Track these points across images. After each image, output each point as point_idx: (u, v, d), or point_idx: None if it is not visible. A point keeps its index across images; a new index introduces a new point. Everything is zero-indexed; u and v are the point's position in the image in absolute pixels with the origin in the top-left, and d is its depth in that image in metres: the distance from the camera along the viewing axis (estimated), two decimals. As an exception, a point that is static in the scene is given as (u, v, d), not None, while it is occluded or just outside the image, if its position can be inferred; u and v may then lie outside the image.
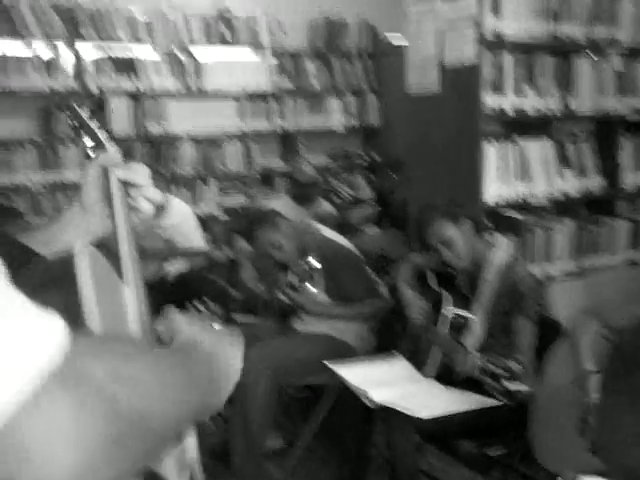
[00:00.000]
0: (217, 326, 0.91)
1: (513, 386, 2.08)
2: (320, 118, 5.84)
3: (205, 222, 5.05)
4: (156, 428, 0.60)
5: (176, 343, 0.84)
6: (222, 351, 0.84)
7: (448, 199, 2.65)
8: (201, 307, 2.72)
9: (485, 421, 2.41)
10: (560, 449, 2.07)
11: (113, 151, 1.07)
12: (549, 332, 2.52)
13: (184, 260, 3.79)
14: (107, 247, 0.97)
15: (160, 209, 3.64)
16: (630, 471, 1.14)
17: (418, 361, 2.71)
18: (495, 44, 3.05)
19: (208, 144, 5.27)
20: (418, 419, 2.28)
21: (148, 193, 1.06)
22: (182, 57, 5.14)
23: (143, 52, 5.05)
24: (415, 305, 2.74)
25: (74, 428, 0.51)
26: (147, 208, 1.06)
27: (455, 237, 2.56)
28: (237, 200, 5.37)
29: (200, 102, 5.20)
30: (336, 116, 5.88)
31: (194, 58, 5.17)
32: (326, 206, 4.50)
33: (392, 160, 5.41)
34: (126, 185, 1.04)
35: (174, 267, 3.74)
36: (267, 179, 5.55)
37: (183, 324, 0.86)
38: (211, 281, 3.84)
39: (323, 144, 5.92)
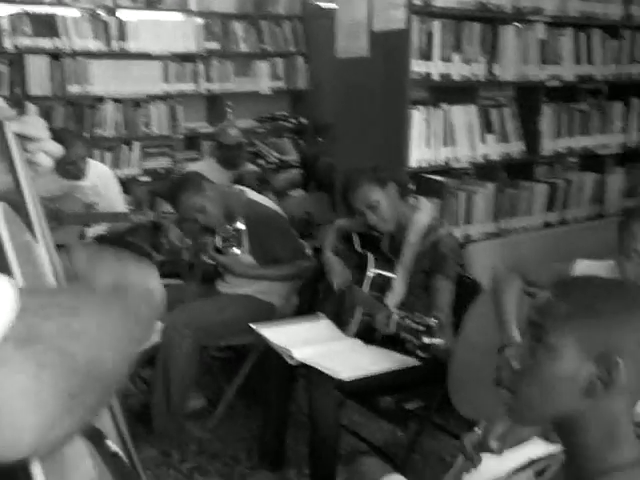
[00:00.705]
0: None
1: (430, 340, 2.13)
2: (248, 81, 5.75)
3: (128, 185, 4.95)
4: (108, 375, 0.61)
5: (102, 281, 0.83)
6: (147, 281, 0.83)
7: (374, 163, 2.66)
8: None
9: (405, 378, 2.47)
10: (477, 398, 2.14)
11: (4, 104, 1.01)
12: (468, 291, 2.59)
13: (105, 224, 3.69)
14: (10, 202, 0.92)
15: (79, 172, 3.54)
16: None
17: (341, 321, 2.75)
18: (424, 11, 3.06)
19: (131, 106, 5.12)
20: (339, 379, 2.32)
21: (46, 146, 1.01)
22: (105, 17, 4.95)
23: (64, 11, 4.84)
24: (337, 271, 2.76)
25: (33, 388, 0.51)
26: (46, 161, 1.02)
27: (381, 201, 2.57)
28: (161, 163, 5.25)
29: (124, 63, 5.02)
30: (264, 79, 5.80)
31: (118, 18, 4.99)
32: (252, 169, 4.46)
33: (320, 124, 5.40)
34: (22, 139, 0.99)
35: (94, 229, 3.64)
36: (192, 142, 5.45)
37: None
38: (132, 244, 3.75)
39: (250, 107, 5.84)
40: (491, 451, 1.59)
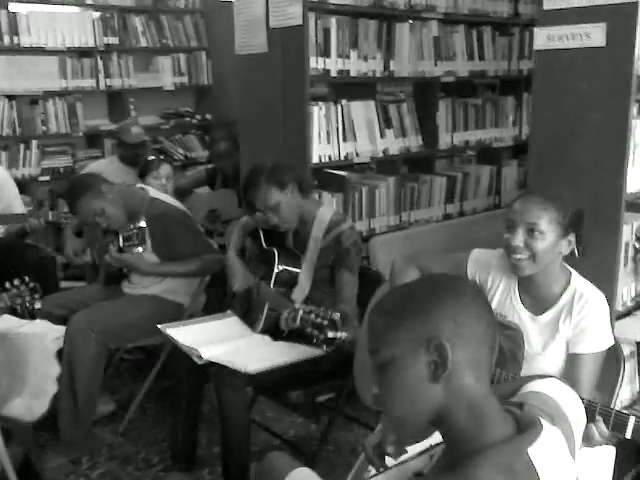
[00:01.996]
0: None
1: (334, 334, 2.18)
2: (149, 76, 5.63)
3: (27, 185, 4.77)
4: None
5: None
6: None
7: (272, 164, 2.64)
8: (19, 285, 2.59)
9: (312, 370, 2.51)
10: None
11: None
12: (371, 283, 2.66)
13: (2, 226, 3.55)
14: None
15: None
16: None
17: (250, 318, 2.76)
18: (320, 7, 3.10)
19: (27, 103, 4.92)
20: (247, 374, 2.34)
21: None
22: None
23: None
24: (237, 273, 2.78)
25: None
26: None
27: (280, 202, 2.58)
28: (61, 162, 5.08)
29: (17, 58, 4.82)
30: (166, 74, 5.70)
31: (9, 11, 4.78)
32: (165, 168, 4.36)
33: (225, 120, 5.37)
34: None
35: (-9, 233, 3.51)
36: (94, 140, 5.31)
37: None
38: (33, 247, 3.64)
39: (154, 103, 5.74)
40: (389, 455, 1.62)
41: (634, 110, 2.18)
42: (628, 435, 1.63)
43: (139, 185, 3.31)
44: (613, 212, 2.15)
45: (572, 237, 1.93)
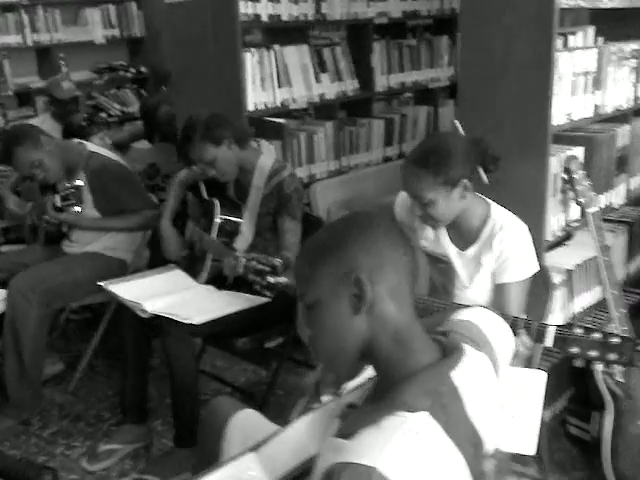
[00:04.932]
0: None
1: (275, 280, 2.20)
2: (79, 30, 5.46)
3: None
4: None
5: None
6: None
7: (206, 117, 2.59)
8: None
9: (258, 317, 2.54)
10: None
11: None
12: (313, 228, 2.68)
13: None
14: None
15: None
16: None
17: (193, 270, 2.76)
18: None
19: (-50, 62, 4.73)
20: (193, 324, 2.35)
21: None
22: None
23: None
24: (170, 241, 2.78)
25: None
26: None
27: (217, 157, 2.56)
28: (-9, 122, 4.93)
29: None
30: (96, 28, 5.53)
31: None
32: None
33: (160, 72, 5.24)
34: None
35: None
36: (25, 98, 5.14)
37: None
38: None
39: (85, 58, 5.57)
40: (327, 392, 1.67)
41: (557, 43, 2.21)
42: (548, 343, 1.73)
43: (77, 140, 3.23)
44: (540, 145, 2.20)
45: (475, 173, 1.98)
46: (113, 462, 2.59)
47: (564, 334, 1.72)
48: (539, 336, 1.77)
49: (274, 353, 2.77)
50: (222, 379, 2.97)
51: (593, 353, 1.66)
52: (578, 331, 1.68)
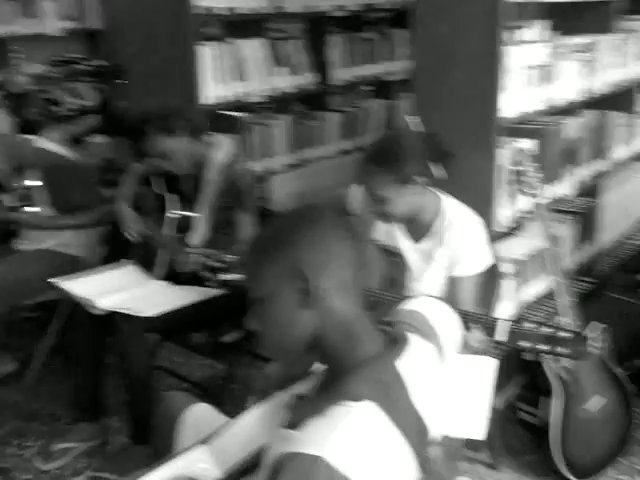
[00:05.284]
0: None
1: (228, 276, 2.20)
2: (34, 22, 5.32)
3: None
4: None
5: None
6: None
7: (160, 110, 2.59)
8: None
9: (213, 311, 2.53)
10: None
11: None
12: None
13: None
14: None
15: None
16: None
17: (147, 265, 2.74)
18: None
19: None
20: (147, 320, 2.34)
21: None
22: None
23: None
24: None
25: None
26: None
27: (172, 149, 2.55)
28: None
29: None
30: (52, 19, 5.41)
31: None
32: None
33: (115, 65, 5.17)
34: None
35: None
36: (-23, 92, 5.02)
37: None
38: None
39: (41, 51, 5.44)
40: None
41: (509, 37, 2.25)
42: (500, 337, 1.76)
43: (29, 136, 3.18)
44: (488, 137, 2.23)
45: (428, 168, 1.99)
46: (67, 460, 2.57)
47: (515, 329, 1.75)
48: (490, 330, 1.80)
49: (231, 347, 2.76)
50: (179, 374, 2.95)
51: (543, 347, 1.69)
52: (529, 325, 1.71)
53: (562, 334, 1.67)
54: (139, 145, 2.60)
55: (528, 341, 1.71)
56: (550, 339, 1.68)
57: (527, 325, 1.71)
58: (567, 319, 2.25)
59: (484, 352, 1.85)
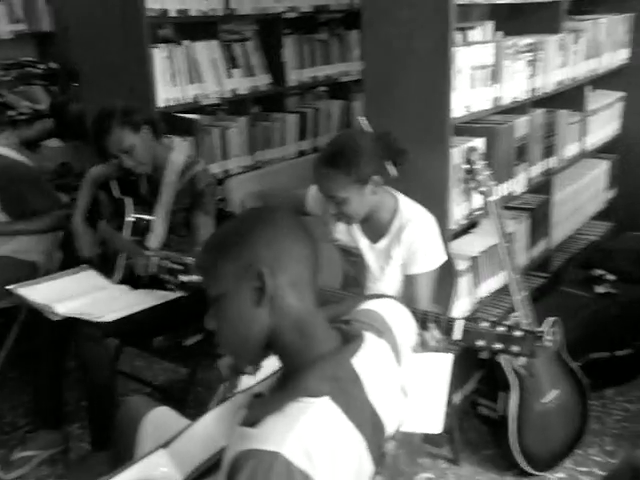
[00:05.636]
0: None
1: (187, 278, 2.21)
2: (-18, 25, 5.23)
3: None
4: None
5: None
6: None
7: (122, 105, 2.55)
8: None
9: (173, 314, 2.53)
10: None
11: None
12: (227, 224, 2.68)
13: None
14: None
15: None
16: None
17: (107, 269, 2.72)
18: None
19: None
20: (107, 325, 2.32)
21: None
22: None
23: None
24: (83, 239, 2.74)
25: None
26: None
27: (135, 145, 2.52)
28: None
29: None
30: (1, 22, 5.31)
31: None
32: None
33: (68, 68, 5.10)
34: None
35: None
36: None
37: None
38: None
39: (-9, 54, 5.35)
40: (245, 373, 1.70)
41: (456, 38, 2.29)
42: (456, 336, 1.80)
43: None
44: (441, 137, 2.28)
45: (384, 168, 2.03)
46: (29, 469, 2.54)
47: (470, 328, 1.79)
48: (448, 330, 1.84)
49: (193, 350, 2.76)
50: (141, 379, 2.95)
51: (498, 346, 1.73)
52: (484, 324, 1.75)
53: (516, 333, 1.71)
54: (100, 143, 2.55)
55: (483, 340, 1.75)
56: (505, 338, 1.72)
57: (482, 324, 1.76)
58: (521, 314, 2.31)
59: (441, 350, 1.90)
